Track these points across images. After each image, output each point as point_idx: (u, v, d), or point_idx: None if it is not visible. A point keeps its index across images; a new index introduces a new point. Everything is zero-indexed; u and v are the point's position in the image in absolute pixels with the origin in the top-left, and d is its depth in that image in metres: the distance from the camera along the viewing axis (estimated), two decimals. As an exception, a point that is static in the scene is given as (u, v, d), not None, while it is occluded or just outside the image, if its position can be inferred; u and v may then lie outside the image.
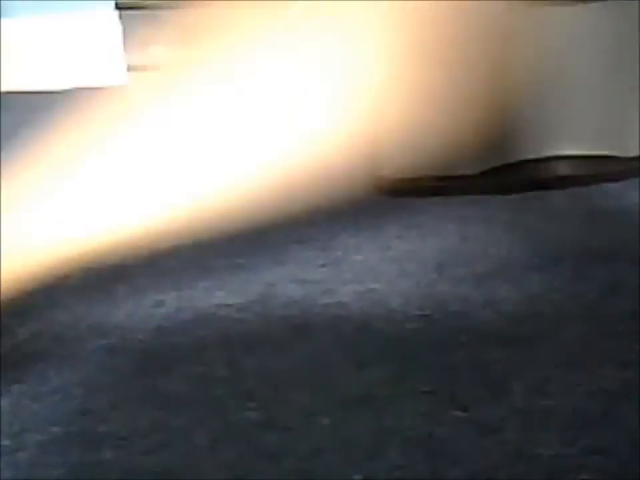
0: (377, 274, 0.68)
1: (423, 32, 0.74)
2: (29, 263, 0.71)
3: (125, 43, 0.88)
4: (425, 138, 0.80)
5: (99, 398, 0.54)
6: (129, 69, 0.90)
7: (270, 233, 0.75)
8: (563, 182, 0.82)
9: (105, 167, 0.73)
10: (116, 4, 0.87)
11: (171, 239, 0.75)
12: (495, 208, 0.79)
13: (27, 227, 0.70)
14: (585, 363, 0.53)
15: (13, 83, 1.11)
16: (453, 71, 0.75)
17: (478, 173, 0.82)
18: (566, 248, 0.71)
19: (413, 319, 0.62)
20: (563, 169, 0.84)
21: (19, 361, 0.58)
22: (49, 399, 0.54)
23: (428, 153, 0.81)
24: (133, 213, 0.79)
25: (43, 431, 0.51)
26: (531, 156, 0.83)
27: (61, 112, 1.05)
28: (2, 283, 0.64)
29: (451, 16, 0.73)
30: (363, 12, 0.75)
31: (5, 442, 0.50)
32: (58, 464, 0.49)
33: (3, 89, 1.10)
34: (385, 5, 0.74)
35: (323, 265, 0.69)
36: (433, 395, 0.52)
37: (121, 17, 0.88)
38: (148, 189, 0.77)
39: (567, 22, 0.77)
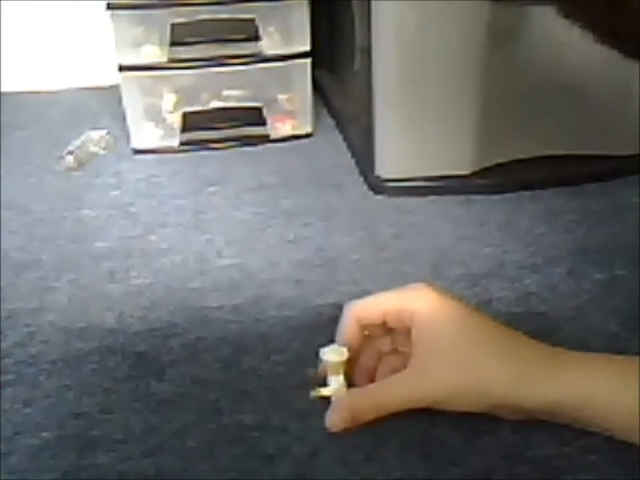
0: (372, 274, 0.68)
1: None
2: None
3: (116, 43, 0.88)
4: (420, 138, 0.80)
5: (91, 401, 0.54)
6: (121, 68, 0.89)
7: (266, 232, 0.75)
8: (557, 181, 0.82)
9: None
10: (107, 4, 0.87)
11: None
12: (490, 208, 0.78)
13: None
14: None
15: (3, 83, 1.10)
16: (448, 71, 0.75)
17: (472, 173, 0.81)
18: (560, 247, 0.71)
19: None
20: (557, 168, 0.84)
21: (10, 364, 0.58)
22: (42, 403, 0.54)
23: (423, 153, 0.80)
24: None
25: (35, 435, 0.51)
26: (526, 155, 0.83)
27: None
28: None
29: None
30: None
31: (-2, 446, 0.50)
32: (51, 468, 0.48)
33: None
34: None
35: (318, 266, 0.69)
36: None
37: (112, 17, 0.87)
38: None
39: (562, 22, 0.77)
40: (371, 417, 0.45)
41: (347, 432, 0.45)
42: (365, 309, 0.50)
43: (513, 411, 0.46)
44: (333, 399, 0.47)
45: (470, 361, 0.45)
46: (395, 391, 0.46)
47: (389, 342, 0.51)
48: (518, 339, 0.47)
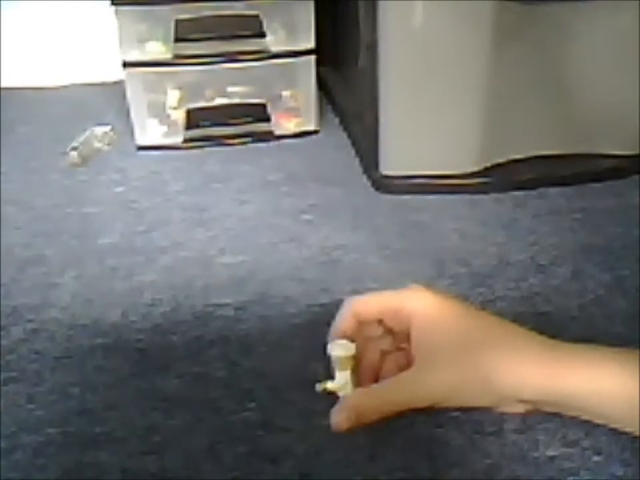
0: (376, 273, 0.68)
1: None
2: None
3: (120, 39, 0.88)
4: (425, 136, 0.79)
5: (95, 398, 0.54)
6: (125, 65, 0.89)
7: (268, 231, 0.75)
8: (562, 180, 0.82)
9: None
10: (112, 0, 0.87)
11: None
12: (494, 207, 0.78)
13: None
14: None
15: (7, 79, 1.10)
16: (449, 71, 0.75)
17: (477, 171, 0.81)
18: (565, 247, 0.71)
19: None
20: (562, 168, 0.83)
21: (14, 360, 0.58)
22: (45, 399, 0.54)
23: (428, 151, 0.80)
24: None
25: (39, 432, 0.51)
26: (531, 154, 0.83)
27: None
28: None
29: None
30: None
31: (1, 443, 0.50)
32: (54, 465, 0.48)
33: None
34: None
35: (321, 263, 0.69)
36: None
37: (116, 13, 0.87)
38: None
39: (566, 21, 0.76)
40: (375, 417, 0.46)
41: (351, 431, 0.45)
42: (362, 304, 0.50)
43: (517, 403, 0.46)
44: (340, 394, 0.47)
45: (471, 356, 0.45)
46: (399, 391, 0.46)
47: (390, 341, 0.51)
48: (517, 332, 0.47)
